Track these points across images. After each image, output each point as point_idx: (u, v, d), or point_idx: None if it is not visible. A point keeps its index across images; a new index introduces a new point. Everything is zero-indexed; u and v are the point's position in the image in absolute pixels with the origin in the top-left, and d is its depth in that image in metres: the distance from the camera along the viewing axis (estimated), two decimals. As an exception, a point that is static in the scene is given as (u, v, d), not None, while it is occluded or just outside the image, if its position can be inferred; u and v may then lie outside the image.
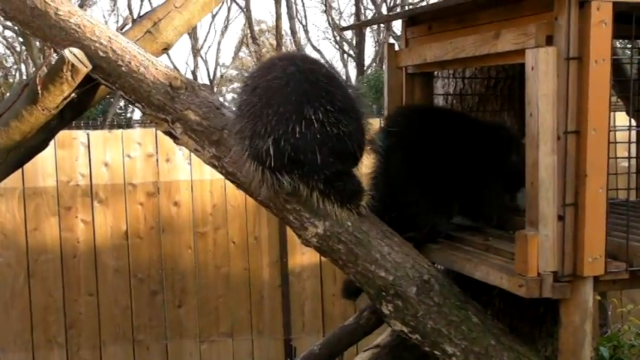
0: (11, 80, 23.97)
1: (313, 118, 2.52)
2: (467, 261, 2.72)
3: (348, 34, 25.44)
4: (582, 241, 2.33)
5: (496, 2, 2.61)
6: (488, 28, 2.64)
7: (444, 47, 2.85)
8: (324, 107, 2.54)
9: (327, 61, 2.90)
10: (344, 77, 2.91)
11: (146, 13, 3.49)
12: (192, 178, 6.87)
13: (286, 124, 2.52)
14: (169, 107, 2.97)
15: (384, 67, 3.34)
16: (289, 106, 2.54)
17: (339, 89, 2.65)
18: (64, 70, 2.94)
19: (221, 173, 2.99)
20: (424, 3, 20.15)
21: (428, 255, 2.92)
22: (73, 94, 3.05)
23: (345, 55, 25.73)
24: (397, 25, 21.20)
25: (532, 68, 2.32)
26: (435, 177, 2.91)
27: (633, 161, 3.39)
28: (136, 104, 3.05)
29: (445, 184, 2.92)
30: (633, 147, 3.32)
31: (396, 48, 3.29)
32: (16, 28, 19.13)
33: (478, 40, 2.64)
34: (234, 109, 2.88)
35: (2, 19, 3.18)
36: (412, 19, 3.21)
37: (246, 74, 3.24)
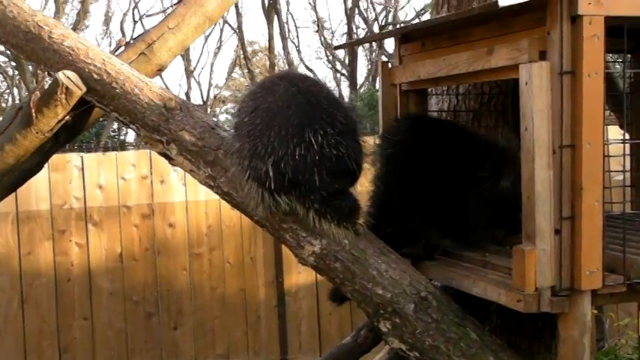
0: (4, 105, 23.97)
1: (313, 140, 2.53)
2: (465, 277, 2.72)
3: (341, 53, 25.52)
4: (579, 255, 2.33)
5: (488, 18, 2.61)
6: (481, 45, 2.65)
7: (438, 64, 2.86)
8: (324, 130, 2.56)
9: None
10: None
11: (140, 34, 3.49)
12: (187, 199, 6.87)
13: (287, 147, 2.53)
14: (164, 128, 2.97)
15: (378, 84, 3.35)
16: (290, 128, 2.55)
17: (340, 110, 2.66)
18: (59, 93, 2.94)
19: (217, 193, 2.99)
20: (416, 20, 20.26)
21: (425, 272, 2.91)
22: (67, 117, 3.04)
23: (338, 74, 25.81)
24: (390, 44, 21.29)
25: (526, 83, 2.32)
26: (430, 191, 2.90)
27: (627, 174, 3.40)
28: (131, 126, 3.05)
29: (440, 199, 2.91)
30: (627, 160, 3.33)
31: (390, 65, 3.29)
32: (8, 52, 19.18)
33: (471, 56, 2.65)
34: (230, 129, 2.88)
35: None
36: (405, 37, 3.22)
37: (244, 92, 3.26)
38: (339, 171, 2.61)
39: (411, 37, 3.19)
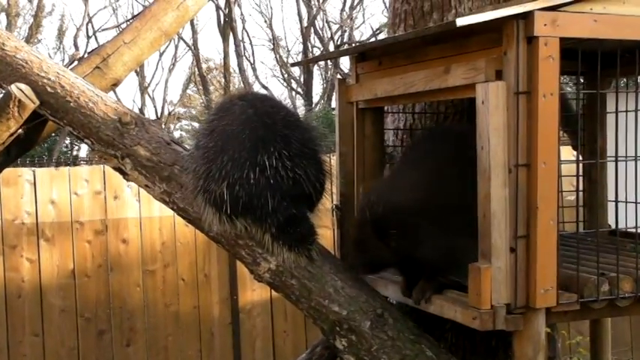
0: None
1: (267, 163, 2.56)
2: (420, 295, 2.72)
3: (296, 71, 25.60)
4: (534, 273, 2.35)
5: (445, 38, 2.64)
6: (438, 64, 2.66)
7: (395, 82, 2.87)
8: (278, 152, 2.59)
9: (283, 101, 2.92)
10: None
11: (95, 48, 3.47)
12: (141, 215, 6.80)
13: (240, 170, 2.55)
14: (119, 143, 2.95)
15: (335, 102, 3.35)
16: (243, 152, 2.57)
17: (297, 131, 2.69)
18: (11, 106, 2.90)
19: (172, 209, 2.97)
20: (373, 39, 20.38)
21: (381, 289, 2.91)
22: (19, 131, 3.00)
23: (293, 92, 25.85)
24: (345, 63, 21.40)
25: (482, 102, 2.35)
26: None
27: (580, 194, 3.44)
28: (85, 140, 3.02)
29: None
30: (580, 180, 3.37)
31: (347, 83, 3.30)
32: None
33: (429, 74, 2.66)
34: (188, 147, 2.87)
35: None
36: (362, 55, 3.23)
37: (206, 114, 3.23)
38: (295, 195, 2.63)
39: (368, 55, 3.20)
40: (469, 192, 2.53)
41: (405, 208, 2.61)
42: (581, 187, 3.32)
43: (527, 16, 2.29)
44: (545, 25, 2.28)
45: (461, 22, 2.28)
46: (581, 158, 3.34)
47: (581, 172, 3.31)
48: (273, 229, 2.66)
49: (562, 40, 2.31)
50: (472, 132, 2.62)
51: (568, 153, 4.14)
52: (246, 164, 2.56)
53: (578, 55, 2.44)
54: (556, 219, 2.36)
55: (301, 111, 3.00)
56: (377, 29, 22.76)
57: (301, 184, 2.62)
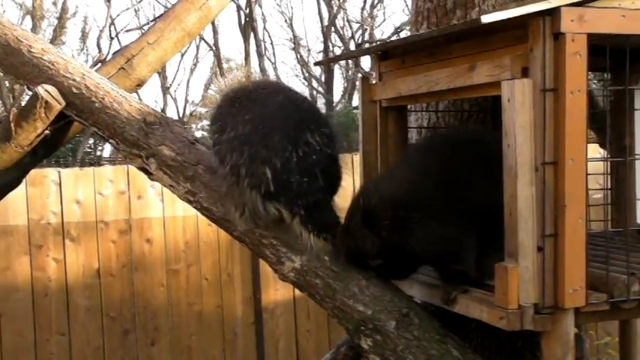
0: (-21, 120, 23.74)
1: (313, 141, 2.68)
2: (446, 294, 2.70)
3: (317, 70, 25.59)
4: (563, 272, 2.32)
5: (469, 35, 2.62)
6: (462, 61, 2.65)
7: (418, 80, 2.85)
8: (319, 131, 2.70)
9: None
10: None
11: (119, 49, 3.48)
12: (165, 215, 6.82)
13: (283, 151, 2.63)
14: (143, 143, 2.96)
15: (358, 101, 3.35)
16: (286, 133, 2.65)
17: (324, 116, 2.86)
18: (38, 107, 2.92)
19: (196, 209, 2.97)
20: (395, 37, 20.33)
21: (406, 288, 2.90)
22: (46, 131, 3.02)
23: (314, 92, 25.84)
24: (366, 62, 21.37)
25: (508, 100, 2.32)
26: None
27: (607, 192, 3.41)
28: (110, 140, 3.03)
29: None
30: (607, 178, 3.34)
31: (370, 82, 3.29)
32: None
33: (453, 72, 2.64)
34: (213, 141, 2.86)
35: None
36: (385, 54, 3.22)
37: (217, 101, 3.20)
38: (330, 174, 2.74)
39: (391, 53, 3.19)
40: (468, 191, 2.58)
41: (399, 200, 2.63)
42: (608, 185, 3.29)
43: (554, 12, 2.26)
44: (572, 21, 2.26)
45: (486, 19, 2.26)
46: (608, 156, 3.31)
47: (608, 170, 3.29)
48: (302, 211, 2.70)
49: (589, 36, 2.29)
50: (478, 133, 2.64)
51: (595, 151, 4.11)
52: (289, 145, 2.64)
53: (606, 52, 2.41)
54: (584, 217, 2.33)
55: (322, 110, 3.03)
56: (398, 27, 22.69)
57: (335, 164, 2.77)
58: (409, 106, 3.44)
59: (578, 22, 2.27)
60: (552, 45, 2.29)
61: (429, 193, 2.61)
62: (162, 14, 3.52)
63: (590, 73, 3.41)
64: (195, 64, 26.73)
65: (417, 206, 2.61)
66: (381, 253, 2.73)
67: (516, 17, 2.29)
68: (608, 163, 3.23)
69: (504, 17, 2.27)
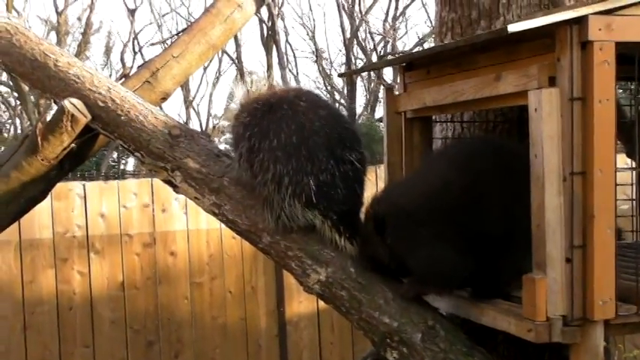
0: (5, 135, 23.95)
1: (350, 156, 2.76)
2: (473, 306, 2.68)
3: (339, 82, 25.60)
4: (592, 284, 2.29)
5: (495, 45, 2.60)
6: (488, 71, 2.63)
7: (444, 91, 2.84)
8: (355, 150, 2.80)
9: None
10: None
11: (144, 63, 3.49)
12: (189, 228, 6.84)
13: (326, 163, 2.72)
14: (169, 155, 2.96)
15: (383, 112, 3.34)
16: (328, 147, 2.74)
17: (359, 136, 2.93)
18: (64, 121, 2.94)
19: (221, 221, 2.97)
20: (417, 49, 20.29)
21: (432, 300, 2.88)
22: (72, 144, 3.04)
23: (337, 104, 25.86)
24: (388, 74, 21.36)
25: (535, 110, 2.31)
26: None
27: (634, 203, 3.37)
28: (135, 153, 3.04)
29: None
30: (633, 188, 3.30)
31: (395, 93, 3.28)
32: (10, 83, 19.21)
33: (478, 82, 2.63)
34: (242, 154, 2.84)
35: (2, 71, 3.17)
36: (410, 64, 3.21)
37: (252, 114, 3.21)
38: (361, 186, 2.84)
39: (416, 64, 3.18)
40: (478, 206, 2.56)
41: (404, 208, 2.65)
42: (635, 196, 3.25)
43: (581, 21, 2.25)
44: (599, 29, 2.24)
45: (513, 28, 2.25)
46: (636, 166, 3.27)
47: (635, 181, 3.25)
48: (335, 216, 2.74)
49: (617, 44, 2.27)
50: (497, 145, 2.70)
51: (622, 161, 4.07)
52: (333, 162, 2.72)
53: (635, 60, 2.38)
54: (613, 228, 2.30)
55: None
56: (420, 39, 22.67)
57: (363, 181, 2.84)
58: (434, 117, 3.42)
59: (606, 30, 2.25)
60: (580, 54, 2.27)
61: (442, 210, 2.60)
62: (186, 27, 3.53)
63: (616, 82, 3.38)
64: (217, 78, 26.84)
65: (422, 217, 2.61)
66: (393, 260, 2.72)
67: (543, 26, 2.27)
68: (636, 173, 3.19)
69: (531, 26, 2.26)
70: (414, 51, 15.47)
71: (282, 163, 2.70)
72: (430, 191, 2.67)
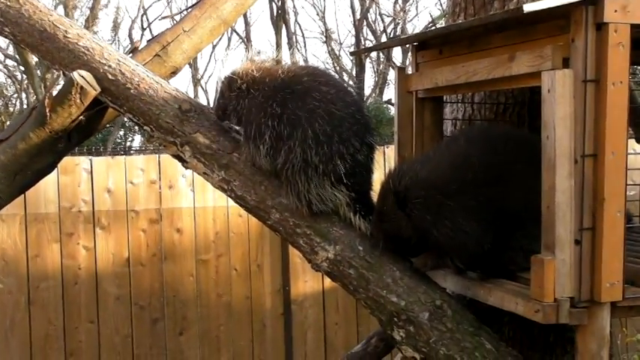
0: (12, 109, 23.96)
1: (369, 141, 2.88)
2: (480, 286, 2.68)
3: (348, 64, 25.53)
4: (600, 266, 2.29)
5: (509, 25, 2.59)
6: (502, 52, 2.62)
7: (456, 71, 2.83)
8: (372, 134, 2.93)
9: None
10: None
11: (154, 36, 3.47)
12: (195, 205, 6.82)
13: (353, 147, 2.80)
14: (178, 130, 2.95)
15: (394, 91, 3.32)
16: (364, 136, 2.86)
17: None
18: (73, 93, 2.92)
19: (230, 197, 2.96)
20: (421, 30, 20.19)
21: (440, 280, 2.88)
22: (81, 117, 3.02)
23: (345, 85, 25.74)
24: (397, 56, 21.29)
25: (548, 91, 2.29)
26: None
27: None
28: (145, 127, 3.02)
29: None
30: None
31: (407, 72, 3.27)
32: (17, 57, 19.19)
33: (492, 63, 2.62)
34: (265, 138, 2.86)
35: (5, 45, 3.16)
36: (422, 44, 3.19)
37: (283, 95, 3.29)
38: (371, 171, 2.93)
39: (428, 44, 3.16)
40: (501, 186, 2.58)
41: (431, 182, 2.67)
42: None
43: (597, 2, 2.24)
44: (615, 11, 2.22)
45: (528, 8, 2.23)
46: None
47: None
48: (354, 194, 2.81)
49: (632, 26, 2.25)
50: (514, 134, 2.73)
51: (630, 146, 4.06)
52: (363, 146, 2.83)
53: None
54: (623, 211, 2.30)
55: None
56: (430, 22, 22.57)
57: (373, 164, 2.93)
58: (445, 98, 3.41)
59: (621, 12, 2.23)
60: (594, 35, 2.26)
61: (468, 183, 2.60)
62: (197, 2, 3.50)
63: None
64: (226, 56, 26.79)
65: (449, 191, 2.62)
66: (415, 234, 2.72)
67: (558, 7, 2.26)
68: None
69: (546, 7, 2.24)
70: (427, 30, 15.39)
71: (313, 149, 2.75)
72: (456, 166, 2.69)
